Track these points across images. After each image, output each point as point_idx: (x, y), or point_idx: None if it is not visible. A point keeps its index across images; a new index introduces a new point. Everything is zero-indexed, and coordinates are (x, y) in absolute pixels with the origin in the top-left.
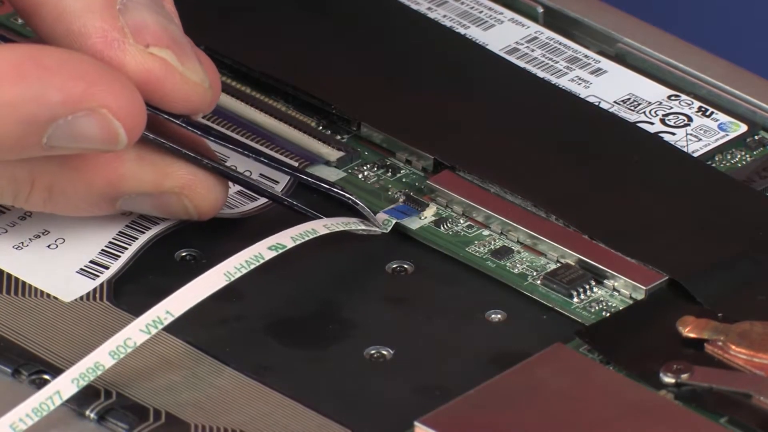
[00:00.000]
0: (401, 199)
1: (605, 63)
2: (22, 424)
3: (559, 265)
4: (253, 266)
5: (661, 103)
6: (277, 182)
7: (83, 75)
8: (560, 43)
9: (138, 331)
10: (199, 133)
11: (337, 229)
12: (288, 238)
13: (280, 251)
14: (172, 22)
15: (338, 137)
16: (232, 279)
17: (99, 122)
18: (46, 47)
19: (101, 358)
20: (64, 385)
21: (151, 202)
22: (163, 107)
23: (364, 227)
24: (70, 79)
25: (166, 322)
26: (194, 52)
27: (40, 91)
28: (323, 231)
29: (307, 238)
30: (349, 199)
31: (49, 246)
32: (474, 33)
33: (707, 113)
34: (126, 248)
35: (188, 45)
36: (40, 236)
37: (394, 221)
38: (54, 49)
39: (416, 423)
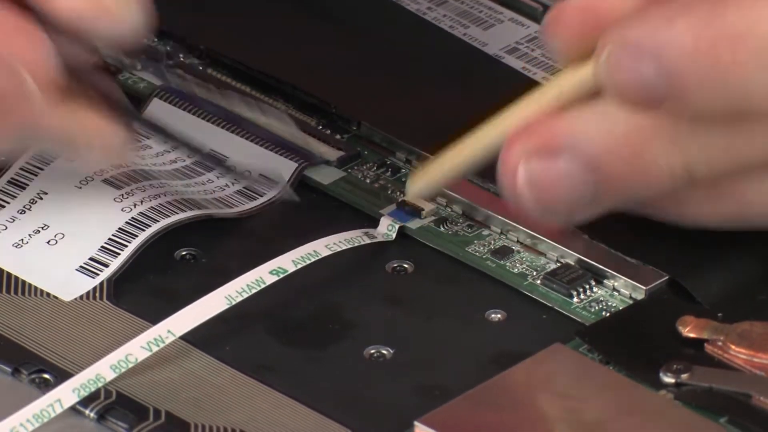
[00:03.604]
0: (400, 199)
1: None
2: (22, 429)
3: (559, 264)
4: (254, 290)
5: None
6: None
7: None
8: None
9: (139, 347)
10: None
11: (339, 249)
12: (289, 262)
13: (281, 275)
14: None
15: (338, 137)
16: (233, 303)
17: (7, 74)
18: None
19: (102, 371)
20: (65, 394)
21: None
22: (96, 44)
23: (369, 240)
24: None
25: (167, 341)
26: None
27: None
28: (326, 252)
29: (309, 261)
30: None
31: (48, 242)
32: (474, 32)
33: None
34: (126, 245)
35: None
36: (39, 231)
37: (398, 225)
38: None
39: (416, 423)
